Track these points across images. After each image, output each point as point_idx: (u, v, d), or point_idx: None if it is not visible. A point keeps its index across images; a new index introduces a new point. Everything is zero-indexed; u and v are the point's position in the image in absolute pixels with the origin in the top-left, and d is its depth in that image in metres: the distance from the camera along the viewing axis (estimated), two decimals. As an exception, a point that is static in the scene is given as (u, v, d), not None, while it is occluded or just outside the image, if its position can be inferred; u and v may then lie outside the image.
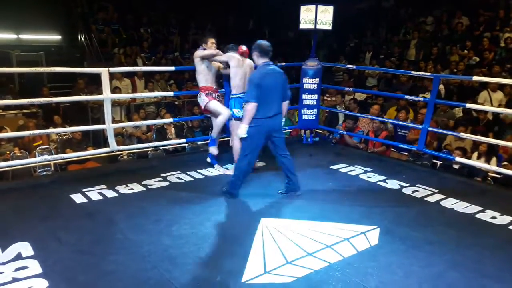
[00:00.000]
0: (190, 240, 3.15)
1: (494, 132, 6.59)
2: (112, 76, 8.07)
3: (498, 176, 5.03)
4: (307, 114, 5.98)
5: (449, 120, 7.17)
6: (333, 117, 7.70)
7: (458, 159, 4.91)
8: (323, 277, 2.73)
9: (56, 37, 12.16)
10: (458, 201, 4.03)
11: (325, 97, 8.22)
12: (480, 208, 3.87)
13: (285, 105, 4.05)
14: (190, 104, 9.23)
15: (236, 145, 4.54)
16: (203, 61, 4.61)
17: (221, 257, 2.93)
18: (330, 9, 5.59)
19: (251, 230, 3.31)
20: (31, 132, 5.17)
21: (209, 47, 4.62)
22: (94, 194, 3.95)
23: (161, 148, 6.19)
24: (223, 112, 4.54)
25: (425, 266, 2.87)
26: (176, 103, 9.44)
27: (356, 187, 4.39)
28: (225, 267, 2.81)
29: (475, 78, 5.11)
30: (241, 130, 3.80)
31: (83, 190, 4.02)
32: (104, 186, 4.15)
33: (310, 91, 5.89)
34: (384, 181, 4.55)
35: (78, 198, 3.86)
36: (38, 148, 6.15)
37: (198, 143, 6.38)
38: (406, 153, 5.96)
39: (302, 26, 5.65)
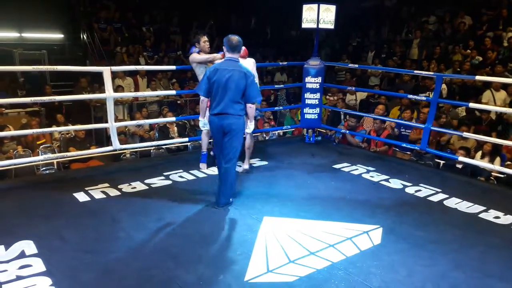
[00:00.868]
0: (193, 239, 3.15)
1: (497, 132, 6.57)
2: (114, 75, 8.11)
3: (502, 175, 5.02)
4: (309, 114, 5.98)
5: (453, 119, 7.15)
6: (335, 117, 7.70)
7: (461, 158, 4.90)
8: (326, 276, 2.73)
9: (59, 36, 12.17)
10: (461, 200, 4.03)
11: (327, 97, 8.22)
12: (484, 208, 3.86)
13: (249, 108, 3.70)
14: (193, 102, 9.24)
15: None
16: (200, 65, 4.59)
17: (223, 256, 2.93)
18: (332, 8, 5.59)
19: (253, 229, 3.31)
20: (34, 130, 5.19)
21: (202, 46, 4.59)
22: (97, 192, 3.96)
23: (163, 147, 6.19)
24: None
25: (428, 266, 2.87)
26: (179, 102, 9.45)
27: (358, 186, 4.39)
28: (228, 266, 2.81)
29: (478, 77, 5.10)
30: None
31: (86, 188, 4.03)
32: (107, 184, 4.15)
33: (313, 91, 5.89)
34: (387, 180, 4.55)
35: (81, 196, 3.87)
36: (41, 146, 6.16)
37: (201, 142, 6.38)
38: (409, 153, 5.95)
39: (305, 25, 5.64)
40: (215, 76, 3.58)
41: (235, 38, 3.68)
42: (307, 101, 5.94)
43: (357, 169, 4.91)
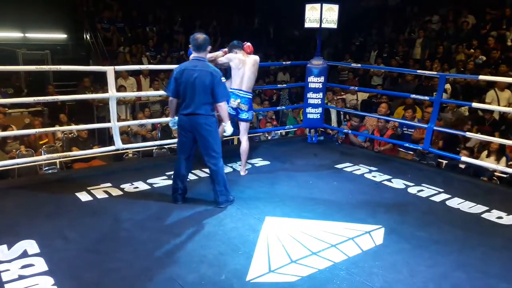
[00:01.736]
0: (195, 238, 3.16)
1: (500, 132, 6.54)
2: (117, 74, 8.11)
3: (505, 175, 4.99)
4: (312, 113, 5.97)
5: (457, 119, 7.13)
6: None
7: (464, 158, 4.88)
8: (327, 276, 2.72)
9: (62, 36, 12.22)
10: (464, 200, 4.01)
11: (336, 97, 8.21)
12: (486, 208, 3.85)
13: (218, 107, 3.64)
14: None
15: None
16: None
17: (225, 255, 2.93)
18: (335, 7, 5.57)
19: (255, 229, 3.31)
20: (37, 130, 5.20)
21: None
22: (99, 192, 3.97)
23: (166, 146, 6.20)
24: None
25: (430, 266, 2.86)
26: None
27: (361, 186, 4.38)
28: (230, 265, 2.81)
29: (481, 77, 5.08)
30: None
31: (89, 188, 4.04)
32: (109, 184, 4.16)
33: (315, 90, 5.87)
34: (389, 180, 4.54)
35: (83, 196, 3.88)
36: (44, 146, 6.19)
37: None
38: (411, 152, 5.94)
39: (307, 24, 5.63)
40: (182, 77, 3.54)
41: (200, 36, 3.59)
42: (310, 101, 5.93)
43: (359, 169, 4.90)
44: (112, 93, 4.61)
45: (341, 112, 7.80)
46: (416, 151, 5.71)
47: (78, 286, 2.57)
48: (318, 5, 5.49)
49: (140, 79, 9.47)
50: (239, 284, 2.61)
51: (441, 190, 4.27)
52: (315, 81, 5.85)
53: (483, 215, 3.73)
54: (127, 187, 4.12)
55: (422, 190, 4.27)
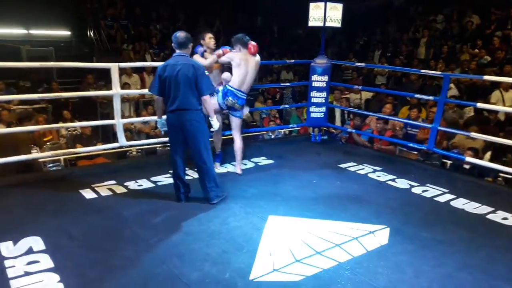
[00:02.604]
0: (199, 237, 3.16)
1: (505, 132, 6.51)
2: (121, 71, 8.10)
3: (510, 176, 4.97)
4: (315, 112, 5.96)
5: (459, 119, 7.10)
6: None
7: (468, 159, 4.86)
8: (332, 276, 2.72)
9: (66, 33, 12.24)
10: (469, 201, 4.00)
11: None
12: (491, 209, 3.84)
13: (204, 100, 3.62)
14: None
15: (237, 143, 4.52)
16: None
17: (229, 254, 2.93)
18: (339, 6, 5.56)
19: (259, 228, 3.31)
20: (41, 127, 5.21)
21: (208, 43, 4.49)
22: (103, 190, 3.98)
23: (169, 144, 6.19)
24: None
25: (435, 266, 2.86)
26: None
27: (365, 186, 4.37)
28: (234, 264, 2.81)
29: (486, 77, 5.05)
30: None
31: (93, 185, 4.05)
32: (113, 181, 4.17)
33: (319, 89, 5.86)
34: (393, 180, 4.52)
35: (87, 193, 3.89)
36: (48, 143, 6.19)
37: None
38: (415, 152, 5.92)
39: (311, 23, 5.62)
40: (165, 73, 3.52)
41: (182, 34, 3.64)
42: (313, 100, 5.92)
43: (363, 168, 4.89)
44: (116, 91, 4.61)
45: (345, 111, 7.80)
46: (421, 151, 5.69)
47: (83, 282, 2.58)
48: (322, 4, 5.47)
49: (144, 76, 9.47)
50: (243, 283, 2.61)
51: (446, 190, 4.26)
52: (319, 80, 5.83)
53: (488, 216, 3.72)
54: (131, 184, 4.13)
55: (426, 190, 4.25)
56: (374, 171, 4.80)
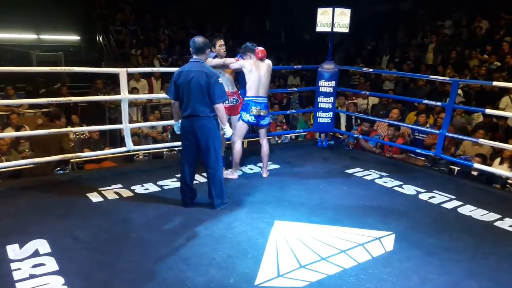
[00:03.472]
0: (204, 241, 3.16)
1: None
2: (129, 76, 8.18)
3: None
4: (322, 117, 5.95)
5: (467, 125, 7.05)
6: (349, 121, 7.67)
7: (476, 165, 4.82)
8: (337, 282, 2.70)
9: (75, 38, 12.37)
10: (476, 208, 3.96)
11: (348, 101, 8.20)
12: (499, 216, 3.79)
13: (216, 108, 3.60)
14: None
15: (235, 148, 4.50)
16: (215, 69, 4.37)
17: (234, 259, 2.93)
18: (347, 11, 5.56)
19: (264, 233, 3.30)
20: (50, 131, 5.25)
21: (218, 50, 4.49)
22: (110, 193, 4.00)
23: (176, 148, 6.22)
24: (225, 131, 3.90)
25: (441, 274, 2.83)
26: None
27: (371, 191, 4.35)
28: (239, 269, 2.81)
29: (495, 83, 5.01)
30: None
31: (100, 189, 4.07)
32: (120, 185, 4.19)
33: (326, 94, 5.86)
34: (400, 186, 4.50)
35: (94, 197, 3.91)
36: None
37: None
38: (423, 158, 5.88)
39: (319, 28, 5.62)
40: (180, 79, 3.55)
41: (200, 39, 3.64)
42: (320, 105, 5.91)
43: (370, 174, 4.86)
44: (124, 95, 4.65)
45: (352, 117, 7.78)
46: (428, 157, 5.65)
47: (88, 286, 2.59)
48: (330, 9, 5.48)
49: (152, 81, 9.55)
50: (248, 288, 2.61)
51: (453, 197, 4.22)
52: (326, 85, 5.83)
53: (496, 223, 3.67)
54: (138, 188, 4.15)
55: (433, 197, 4.22)
56: (381, 177, 4.78)
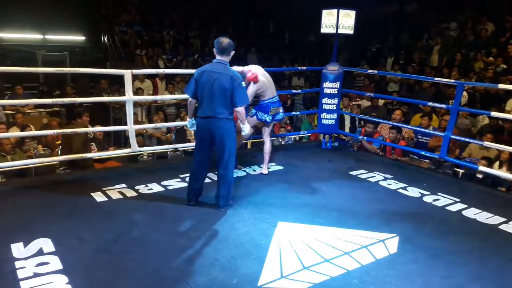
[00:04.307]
0: (207, 242, 3.16)
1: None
2: (134, 77, 8.20)
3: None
4: (326, 119, 5.94)
5: (471, 127, 7.02)
6: (353, 122, 7.65)
7: (481, 168, 4.79)
8: (340, 284, 2.70)
9: (80, 38, 12.42)
10: (481, 211, 3.94)
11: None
12: (504, 219, 3.77)
13: (237, 111, 3.60)
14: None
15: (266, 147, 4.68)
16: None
17: (237, 259, 2.93)
18: (352, 13, 5.56)
19: (268, 234, 3.30)
20: (55, 131, 5.28)
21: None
22: (114, 193, 4.00)
23: (180, 149, 6.24)
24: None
25: (445, 277, 2.81)
26: (196, 105, 9.50)
27: (375, 194, 4.33)
28: (242, 270, 2.80)
29: (501, 86, 4.99)
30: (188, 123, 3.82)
31: (104, 189, 4.08)
32: (124, 185, 4.20)
33: (330, 96, 5.85)
34: (404, 188, 4.48)
35: (98, 196, 3.92)
36: (60, 146, 6.27)
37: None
38: (427, 161, 5.86)
39: (324, 30, 5.62)
40: (202, 78, 3.51)
41: (225, 40, 3.57)
42: (325, 107, 5.90)
43: (374, 176, 4.85)
44: (129, 97, 4.66)
45: (356, 118, 7.76)
46: (432, 159, 5.63)
47: (91, 285, 2.60)
48: (335, 11, 5.48)
49: (157, 81, 9.57)
50: (251, 289, 2.60)
51: (458, 199, 4.20)
52: (330, 87, 5.82)
53: (501, 227, 3.65)
54: (142, 188, 4.16)
55: (438, 199, 4.20)
56: (385, 179, 4.77)
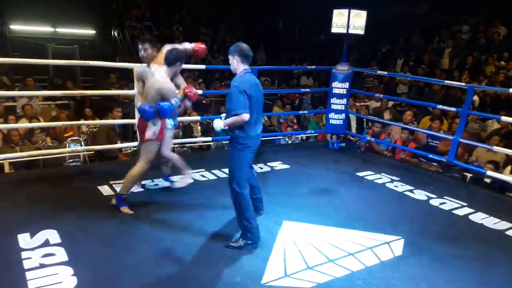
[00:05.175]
0: (212, 239, 3.17)
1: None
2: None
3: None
4: (334, 119, 5.91)
5: (481, 131, 6.95)
6: (360, 123, 7.61)
7: (489, 172, 4.74)
8: (344, 284, 2.69)
9: (91, 32, 12.49)
10: (488, 216, 3.90)
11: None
12: (511, 225, 3.73)
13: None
14: (218, 103, 9.29)
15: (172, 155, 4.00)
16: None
17: (242, 257, 2.93)
18: (363, 13, 5.52)
19: (273, 233, 3.30)
20: (63, 123, 5.32)
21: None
22: (120, 187, 4.01)
23: (187, 145, 6.24)
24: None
25: (451, 281, 2.79)
26: (204, 101, 9.52)
27: (382, 195, 4.31)
28: (246, 267, 2.81)
29: (512, 90, 4.92)
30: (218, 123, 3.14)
31: (111, 182, 4.11)
32: (130, 179, 4.20)
33: (339, 96, 5.82)
34: (411, 191, 4.45)
35: (105, 190, 3.94)
36: (69, 139, 6.32)
37: (224, 142, 6.41)
38: (435, 164, 5.81)
39: (334, 30, 5.59)
40: (252, 91, 3.01)
41: (246, 46, 3.10)
42: (333, 106, 5.87)
43: (381, 177, 4.82)
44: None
45: (363, 119, 7.72)
46: (441, 162, 5.58)
47: (96, 277, 2.62)
48: (346, 11, 5.44)
49: (165, 77, 9.56)
50: (255, 287, 2.60)
51: (465, 204, 4.16)
52: (339, 87, 5.79)
53: (508, 232, 3.61)
54: (148, 183, 4.17)
55: (444, 203, 4.17)
56: (392, 181, 4.74)
